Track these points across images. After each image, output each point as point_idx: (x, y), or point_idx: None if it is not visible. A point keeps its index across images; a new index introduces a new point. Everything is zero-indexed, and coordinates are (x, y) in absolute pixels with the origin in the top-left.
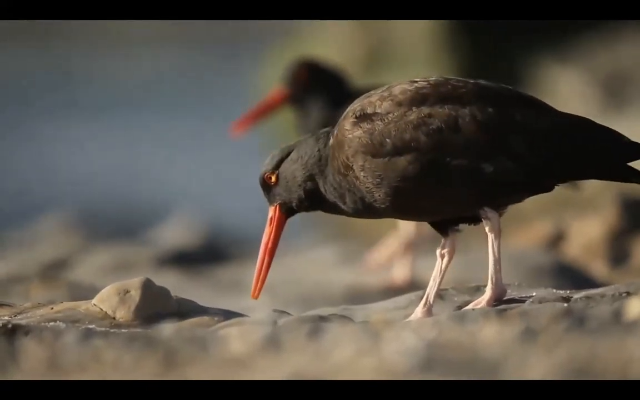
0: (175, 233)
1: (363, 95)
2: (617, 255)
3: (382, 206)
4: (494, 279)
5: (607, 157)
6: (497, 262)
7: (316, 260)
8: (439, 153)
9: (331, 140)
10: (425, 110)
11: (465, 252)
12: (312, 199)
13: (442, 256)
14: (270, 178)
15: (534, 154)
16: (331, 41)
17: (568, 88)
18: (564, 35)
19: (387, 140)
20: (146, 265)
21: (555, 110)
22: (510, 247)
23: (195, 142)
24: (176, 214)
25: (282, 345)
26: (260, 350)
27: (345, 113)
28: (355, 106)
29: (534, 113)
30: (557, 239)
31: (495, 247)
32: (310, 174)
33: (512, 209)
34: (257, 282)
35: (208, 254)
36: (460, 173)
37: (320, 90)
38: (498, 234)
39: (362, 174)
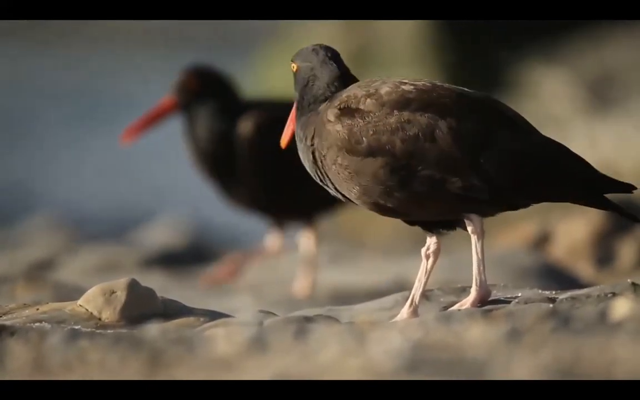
0: (161, 234)
1: (357, 83)
2: (603, 256)
3: (347, 197)
4: (478, 281)
5: (577, 187)
6: (481, 263)
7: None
8: (411, 160)
9: (318, 115)
10: (405, 115)
11: (451, 253)
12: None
13: (427, 257)
14: (293, 66)
15: (501, 175)
16: (318, 40)
17: (553, 88)
18: (550, 36)
19: (364, 139)
20: (132, 265)
21: (534, 132)
22: (495, 247)
23: (181, 143)
24: (162, 214)
25: (268, 346)
26: (246, 351)
27: (335, 97)
28: (343, 96)
29: (511, 133)
30: (542, 240)
31: (478, 248)
32: (298, 99)
33: None
34: (285, 135)
35: (194, 255)
36: (428, 184)
37: (210, 98)
38: (481, 236)
39: (333, 167)
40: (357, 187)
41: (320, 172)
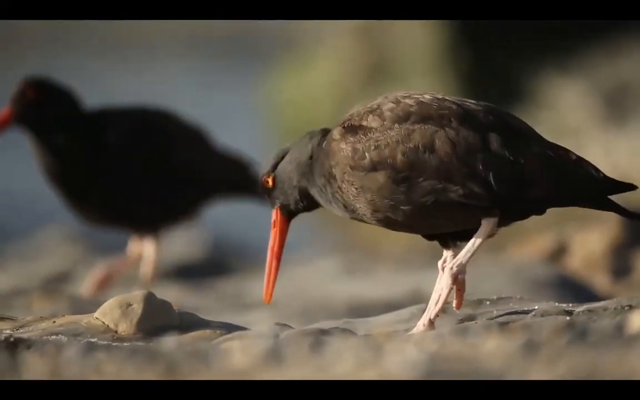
0: (177, 246)
1: (362, 103)
2: (620, 268)
3: (363, 215)
4: (459, 262)
5: (579, 191)
6: (470, 253)
7: (317, 273)
8: (412, 172)
9: (324, 144)
10: (405, 128)
11: (468, 266)
12: (309, 199)
13: (444, 269)
14: (268, 181)
15: (500, 182)
16: (333, 51)
17: (569, 99)
18: (566, 46)
19: (367, 155)
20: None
21: (539, 139)
22: (512, 260)
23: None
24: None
25: (284, 359)
26: (262, 363)
27: (340, 118)
28: (346, 116)
29: (510, 143)
30: (559, 252)
31: (477, 242)
32: (304, 173)
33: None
34: (267, 287)
35: (210, 267)
36: (431, 194)
37: (50, 110)
38: (484, 236)
39: (343, 185)
40: (366, 204)
41: (335, 192)
